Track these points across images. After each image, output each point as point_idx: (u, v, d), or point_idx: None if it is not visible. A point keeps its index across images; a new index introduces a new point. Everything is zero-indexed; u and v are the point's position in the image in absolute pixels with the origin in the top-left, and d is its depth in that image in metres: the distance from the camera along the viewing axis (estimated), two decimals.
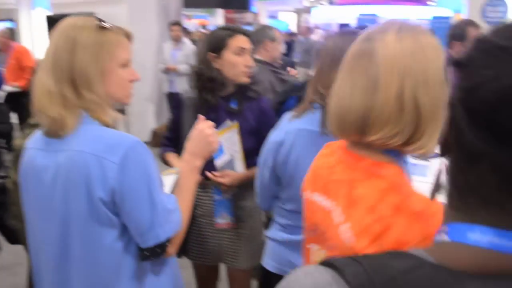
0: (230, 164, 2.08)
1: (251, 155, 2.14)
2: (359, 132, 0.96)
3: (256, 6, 17.72)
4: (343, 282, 0.56)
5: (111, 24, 1.35)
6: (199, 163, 1.52)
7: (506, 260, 0.52)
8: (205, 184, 2.08)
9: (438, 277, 0.54)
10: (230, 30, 2.11)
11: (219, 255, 2.22)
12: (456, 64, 0.56)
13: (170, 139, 2.25)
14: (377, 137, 0.93)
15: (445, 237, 0.57)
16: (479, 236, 0.53)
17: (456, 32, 3.16)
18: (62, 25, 1.32)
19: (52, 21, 6.43)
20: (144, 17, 6.62)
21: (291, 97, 2.71)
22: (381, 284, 0.54)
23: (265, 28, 3.32)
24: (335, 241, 1.01)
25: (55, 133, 1.30)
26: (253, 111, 2.16)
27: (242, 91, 2.15)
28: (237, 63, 2.07)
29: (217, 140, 1.55)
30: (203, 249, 2.23)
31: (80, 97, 1.27)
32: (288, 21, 25.83)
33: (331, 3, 26.50)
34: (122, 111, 6.67)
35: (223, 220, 2.10)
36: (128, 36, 1.40)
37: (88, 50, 1.27)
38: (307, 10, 28.13)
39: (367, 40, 0.97)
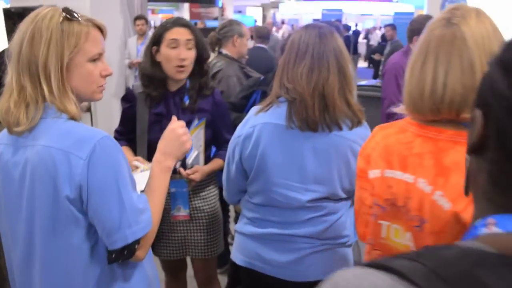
0: (196, 159, 2.09)
1: (208, 147, 2.19)
2: (456, 108, 1.07)
3: (222, 1, 17.64)
4: (408, 285, 0.51)
5: (83, 16, 1.29)
6: (171, 163, 1.47)
7: None
8: None
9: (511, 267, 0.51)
10: (170, 23, 2.07)
11: (182, 247, 2.22)
12: (505, 67, 0.56)
13: (122, 133, 2.22)
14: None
15: (495, 229, 0.56)
16: None
17: (415, 27, 3.24)
18: (29, 16, 1.27)
19: (10, 14, 6.21)
20: (107, 11, 6.48)
21: (256, 92, 2.73)
22: (454, 281, 0.49)
23: (233, 24, 3.31)
24: (423, 210, 1.10)
25: (9, 128, 1.25)
26: (207, 104, 2.17)
27: (196, 88, 2.13)
28: (170, 56, 2.02)
29: (189, 139, 1.52)
30: (166, 244, 2.22)
31: (40, 90, 1.22)
32: (255, 16, 25.80)
33: None
34: (87, 108, 6.49)
35: (179, 212, 2.10)
36: (100, 28, 1.33)
37: (49, 42, 1.21)
38: (274, 5, 28.24)
39: (450, 25, 1.07)
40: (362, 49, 15.88)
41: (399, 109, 1.24)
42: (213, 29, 4.11)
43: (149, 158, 1.95)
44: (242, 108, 2.77)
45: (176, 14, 22.81)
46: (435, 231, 1.10)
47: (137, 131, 2.11)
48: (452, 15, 1.09)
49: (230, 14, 20.41)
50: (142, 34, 6.69)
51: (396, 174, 1.16)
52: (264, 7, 28.67)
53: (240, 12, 26.14)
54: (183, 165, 2.04)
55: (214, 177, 2.28)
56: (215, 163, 2.19)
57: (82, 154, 1.19)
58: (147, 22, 6.88)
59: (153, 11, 24.12)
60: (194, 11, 17.49)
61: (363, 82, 6.06)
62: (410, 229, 1.17)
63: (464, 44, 1.05)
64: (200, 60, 2.11)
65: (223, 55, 3.18)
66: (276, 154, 1.64)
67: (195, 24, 15.79)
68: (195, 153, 2.06)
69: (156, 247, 2.22)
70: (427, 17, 3.32)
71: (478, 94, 0.61)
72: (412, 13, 14.28)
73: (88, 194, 1.21)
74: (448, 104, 1.07)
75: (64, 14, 1.25)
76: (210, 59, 3.21)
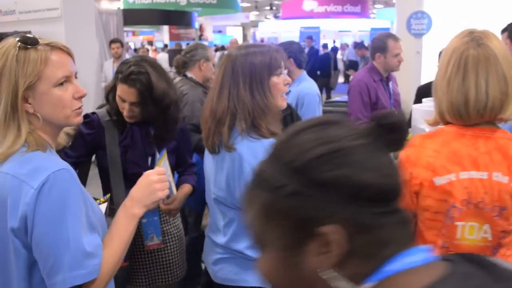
0: (170, 190, 2.04)
1: (172, 173, 2.17)
2: (496, 112, 1.30)
3: (199, 22, 17.79)
4: None
5: (44, 40, 1.23)
6: (138, 211, 1.34)
7: None
8: None
9: None
10: (121, 75, 1.93)
11: (153, 275, 2.18)
12: None
13: (70, 156, 2.06)
14: (508, 114, 1.31)
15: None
16: None
17: (378, 45, 3.34)
18: None
19: None
20: (83, 36, 6.51)
21: None
22: None
23: (199, 47, 3.30)
24: (502, 200, 1.30)
25: None
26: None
27: (162, 119, 2.03)
28: (119, 105, 1.97)
29: (165, 188, 1.41)
30: (145, 275, 2.17)
31: (10, 124, 1.19)
32: (235, 35, 26.05)
33: (276, 17, 27.08)
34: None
35: (152, 241, 2.06)
36: (64, 50, 1.26)
37: (6, 76, 1.17)
38: (254, 24, 28.57)
39: (481, 46, 1.31)
40: (341, 65, 16.12)
41: (431, 120, 1.42)
42: None
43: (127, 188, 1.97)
44: None
45: (156, 35, 22.91)
46: (511, 214, 1.32)
47: (108, 162, 2.06)
48: (476, 37, 1.33)
49: (209, 34, 20.59)
50: (118, 57, 6.73)
51: (471, 174, 1.31)
52: (244, 26, 28.99)
53: (220, 32, 26.39)
54: None
55: None
56: (186, 188, 2.15)
57: (34, 183, 1.13)
58: (122, 45, 6.92)
59: (134, 33, 24.23)
60: (174, 32, 17.64)
61: (337, 98, 6.17)
62: (488, 221, 1.33)
63: (497, 60, 1.30)
64: (159, 108, 1.97)
65: (188, 78, 3.17)
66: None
67: (176, 44, 15.80)
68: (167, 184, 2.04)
69: (135, 282, 2.16)
70: (388, 35, 3.42)
71: None
72: (388, 29, 14.61)
73: (32, 225, 1.13)
74: (490, 109, 1.30)
75: (19, 43, 1.20)
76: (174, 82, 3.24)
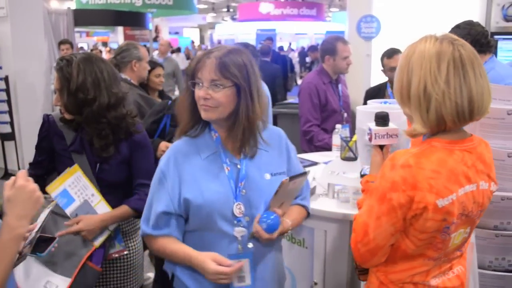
0: (85, 208, 1.92)
1: (123, 186, 2.05)
2: (485, 110, 1.31)
3: (155, 23, 17.56)
4: None
5: None
6: (23, 229, 1.28)
7: None
8: None
9: None
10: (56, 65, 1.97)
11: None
12: None
13: (41, 162, 2.06)
14: (486, 113, 1.33)
15: None
16: None
17: (327, 47, 3.40)
18: None
19: None
20: (30, 36, 6.28)
21: (166, 116, 2.73)
22: None
23: (130, 48, 3.18)
24: (484, 204, 1.38)
25: None
26: (125, 140, 2.01)
27: (89, 121, 1.94)
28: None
29: (40, 193, 1.33)
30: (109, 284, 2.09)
31: None
32: (192, 37, 25.87)
33: (233, 19, 27.11)
34: (10, 135, 6.20)
35: (114, 248, 2.03)
36: None
37: None
38: (211, 26, 28.47)
39: (462, 47, 1.29)
40: (298, 67, 16.29)
41: (415, 130, 1.33)
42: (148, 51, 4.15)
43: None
44: (153, 133, 2.74)
45: (111, 36, 22.43)
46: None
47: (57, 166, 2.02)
48: (449, 40, 1.30)
49: (165, 36, 20.35)
50: None
51: (466, 189, 1.32)
52: (201, 28, 28.85)
53: (177, 33, 26.15)
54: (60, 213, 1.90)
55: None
56: (116, 210, 1.98)
57: None
58: (72, 46, 6.72)
59: (87, 34, 23.64)
60: (129, 33, 17.31)
61: (290, 100, 6.23)
62: (471, 224, 1.40)
63: (479, 59, 1.31)
64: (76, 101, 1.91)
65: (122, 80, 3.10)
66: None
67: None
68: (77, 203, 1.90)
69: None
70: (337, 38, 3.49)
71: None
72: (343, 32, 14.86)
73: None
74: (485, 107, 1.31)
75: None
76: None
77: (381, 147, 1.59)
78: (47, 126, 2.03)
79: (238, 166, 1.58)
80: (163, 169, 1.57)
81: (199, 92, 1.50)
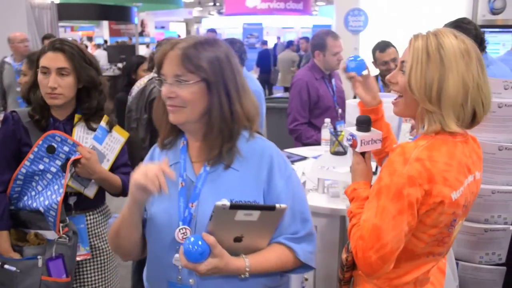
0: (100, 157, 1.96)
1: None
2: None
3: (141, 17, 17.40)
4: None
5: None
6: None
7: None
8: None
9: None
10: (48, 46, 1.88)
11: None
12: None
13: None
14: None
15: None
16: None
17: (317, 42, 3.34)
18: None
19: None
20: (13, 30, 6.16)
21: None
22: None
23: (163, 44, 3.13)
24: (476, 194, 1.39)
25: None
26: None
27: (87, 117, 1.96)
28: (41, 83, 1.86)
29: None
30: None
31: None
32: (178, 31, 25.71)
33: (219, 13, 26.94)
34: None
35: (78, 251, 1.95)
36: None
37: None
38: (197, 20, 28.26)
39: (462, 42, 1.27)
40: None
41: (435, 128, 1.28)
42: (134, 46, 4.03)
43: None
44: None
45: (96, 31, 22.17)
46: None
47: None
48: (463, 35, 1.30)
49: (151, 30, 20.19)
50: None
51: (468, 180, 1.32)
52: (188, 22, 28.65)
53: (163, 27, 25.93)
54: (63, 167, 1.87)
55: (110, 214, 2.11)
56: (114, 177, 1.99)
57: None
58: None
59: (72, 28, 23.32)
60: (114, 28, 17.15)
61: (278, 94, 6.21)
62: (466, 215, 1.40)
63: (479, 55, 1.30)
64: (88, 86, 1.92)
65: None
66: None
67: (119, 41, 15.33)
68: (99, 147, 1.97)
69: None
70: (327, 33, 3.42)
71: None
72: (330, 26, 14.85)
73: None
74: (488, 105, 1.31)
75: None
76: (145, 80, 2.93)
77: (363, 153, 1.47)
78: (11, 124, 1.91)
79: (194, 183, 1.33)
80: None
81: (163, 90, 1.30)
